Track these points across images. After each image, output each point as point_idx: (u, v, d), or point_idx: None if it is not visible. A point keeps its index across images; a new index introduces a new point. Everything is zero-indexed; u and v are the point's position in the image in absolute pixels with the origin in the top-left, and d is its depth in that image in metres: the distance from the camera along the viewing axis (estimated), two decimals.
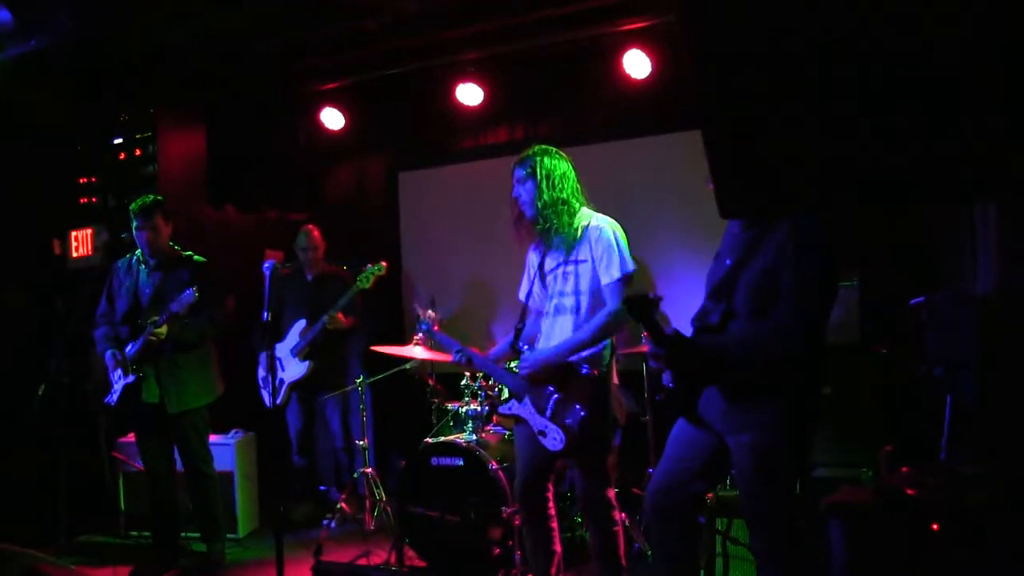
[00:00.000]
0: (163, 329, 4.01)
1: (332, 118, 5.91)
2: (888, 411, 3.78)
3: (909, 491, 2.16)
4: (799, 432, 2.53)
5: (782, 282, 2.42)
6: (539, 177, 3.15)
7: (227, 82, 5.49)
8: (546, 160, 3.19)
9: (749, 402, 2.48)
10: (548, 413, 3.07)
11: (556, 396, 3.09)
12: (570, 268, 3.18)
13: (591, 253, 3.14)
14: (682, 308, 2.90)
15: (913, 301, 3.79)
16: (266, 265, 2.92)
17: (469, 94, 5.46)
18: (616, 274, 3.08)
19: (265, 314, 2.81)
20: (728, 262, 2.60)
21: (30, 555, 2.93)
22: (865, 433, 3.74)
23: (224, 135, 5.69)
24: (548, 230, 3.17)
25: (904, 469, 2.44)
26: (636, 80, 5.07)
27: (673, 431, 2.77)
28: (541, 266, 3.30)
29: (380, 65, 5.43)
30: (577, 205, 3.20)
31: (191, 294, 3.89)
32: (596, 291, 3.15)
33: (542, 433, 3.07)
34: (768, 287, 2.45)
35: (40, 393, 4.02)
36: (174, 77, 5.25)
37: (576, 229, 3.16)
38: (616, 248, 3.11)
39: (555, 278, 3.23)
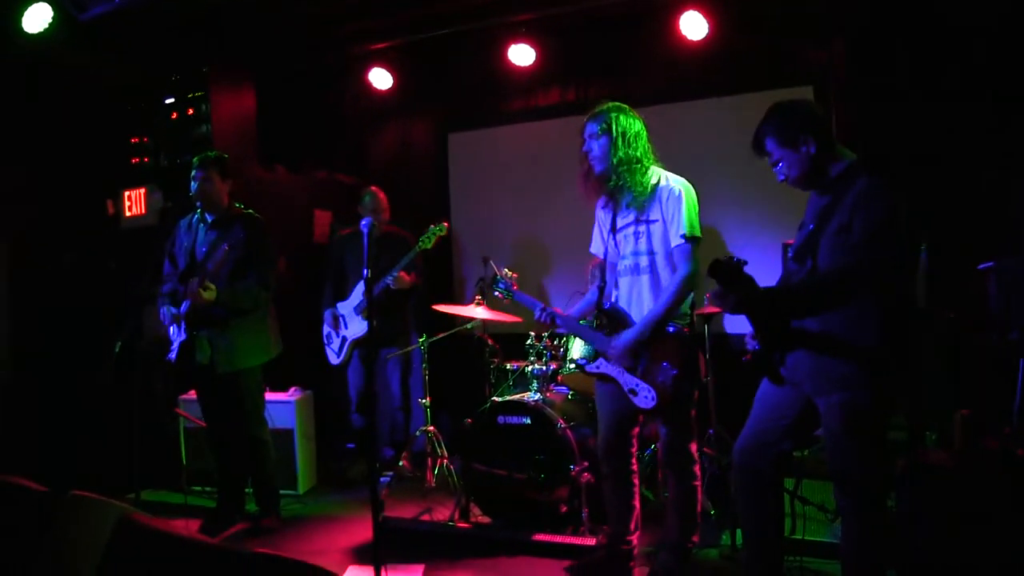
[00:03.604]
0: (211, 293, 3.90)
1: (380, 78, 5.86)
2: (954, 375, 3.79)
3: (1020, 451, 2.18)
4: (888, 392, 2.56)
5: (854, 231, 2.46)
6: (614, 134, 3.14)
7: (277, 42, 5.45)
8: (621, 117, 3.18)
9: (838, 362, 2.52)
10: (640, 371, 3.11)
11: (646, 354, 3.12)
12: (642, 228, 3.19)
13: (662, 213, 3.14)
14: None
15: (982, 266, 3.78)
16: (363, 223, 2.95)
17: (521, 55, 5.38)
18: (686, 236, 3.09)
19: (365, 271, 2.84)
20: (811, 227, 2.68)
21: (122, 507, 3.01)
22: (929, 397, 3.76)
23: (274, 95, 5.67)
24: (620, 187, 3.17)
25: (1007, 430, 2.46)
26: (692, 42, 4.99)
27: (759, 391, 2.82)
28: (613, 224, 3.30)
29: (431, 25, 5.36)
30: (648, 163, 3.20)
31: (223, 250, 3.83)
32: (670, 251, 3.16)
33: (633, 392, 3.11)
34: (845, 243, 2.50)
35: (116, 351, 4.05)
36: (225, 37, 5.22)
37: (647, 188, 3.16)
38: (687, 209, 3.11)
39: (626, 237, 3.24)
